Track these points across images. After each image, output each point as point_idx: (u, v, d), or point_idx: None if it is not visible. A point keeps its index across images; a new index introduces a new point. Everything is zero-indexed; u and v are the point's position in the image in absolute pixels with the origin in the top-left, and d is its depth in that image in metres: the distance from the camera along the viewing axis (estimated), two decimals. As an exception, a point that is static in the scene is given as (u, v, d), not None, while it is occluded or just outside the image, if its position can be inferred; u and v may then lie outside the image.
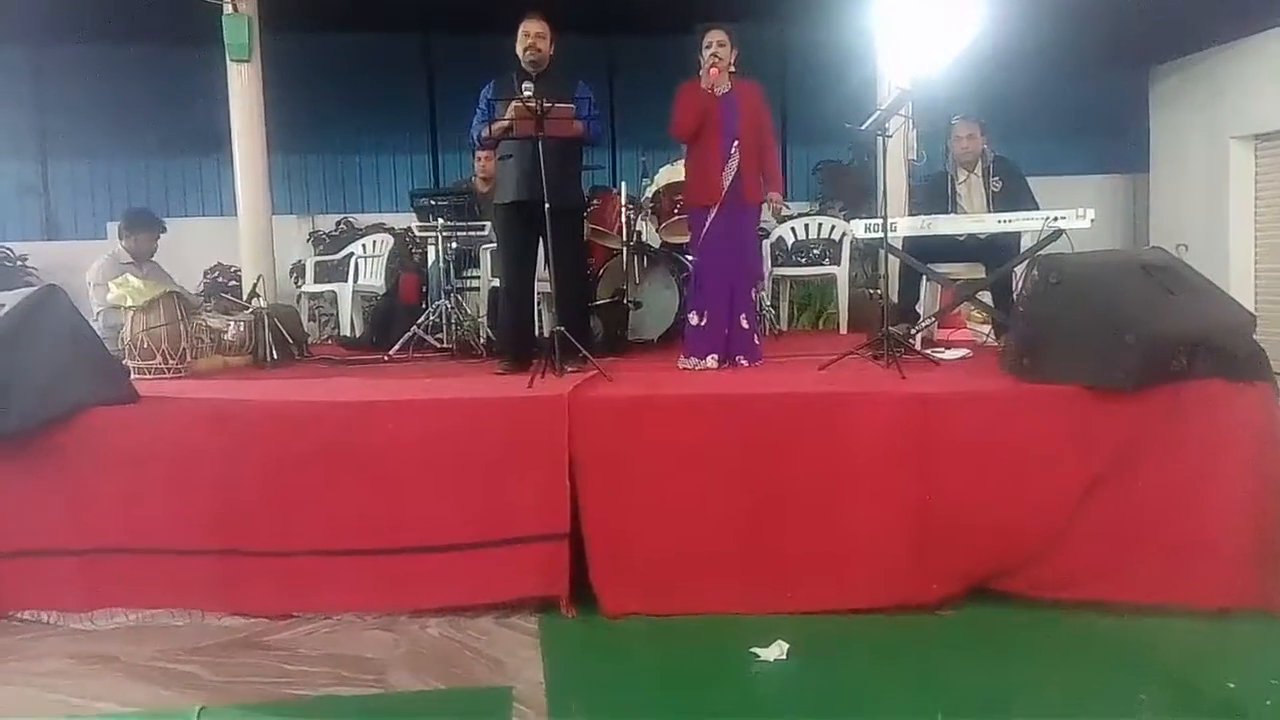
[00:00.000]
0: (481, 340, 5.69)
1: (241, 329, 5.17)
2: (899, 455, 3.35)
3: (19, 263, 8.23)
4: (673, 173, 6.00)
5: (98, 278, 5.45)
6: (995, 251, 5.06)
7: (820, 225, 7.39)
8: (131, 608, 3.37)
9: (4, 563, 3.37)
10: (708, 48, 4.40)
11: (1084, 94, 9.05)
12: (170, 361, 4.60)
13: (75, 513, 3.38)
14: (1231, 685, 2.71)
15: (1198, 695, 2.69)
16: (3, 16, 7.07)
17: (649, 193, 6.10)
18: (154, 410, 3.61)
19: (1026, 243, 4.78)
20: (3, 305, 3.44)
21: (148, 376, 4.46)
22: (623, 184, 6.03)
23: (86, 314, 4.15)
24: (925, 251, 5.12)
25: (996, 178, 5.32)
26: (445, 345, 5.77)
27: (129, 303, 4.57)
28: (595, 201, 5.79)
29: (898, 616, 3.19)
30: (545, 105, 4.22)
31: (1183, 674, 2.81)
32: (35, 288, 3.66)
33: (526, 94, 4.30)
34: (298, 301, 7.35)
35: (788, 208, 5.55)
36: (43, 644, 3.21)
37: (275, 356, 5.24)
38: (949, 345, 5.19)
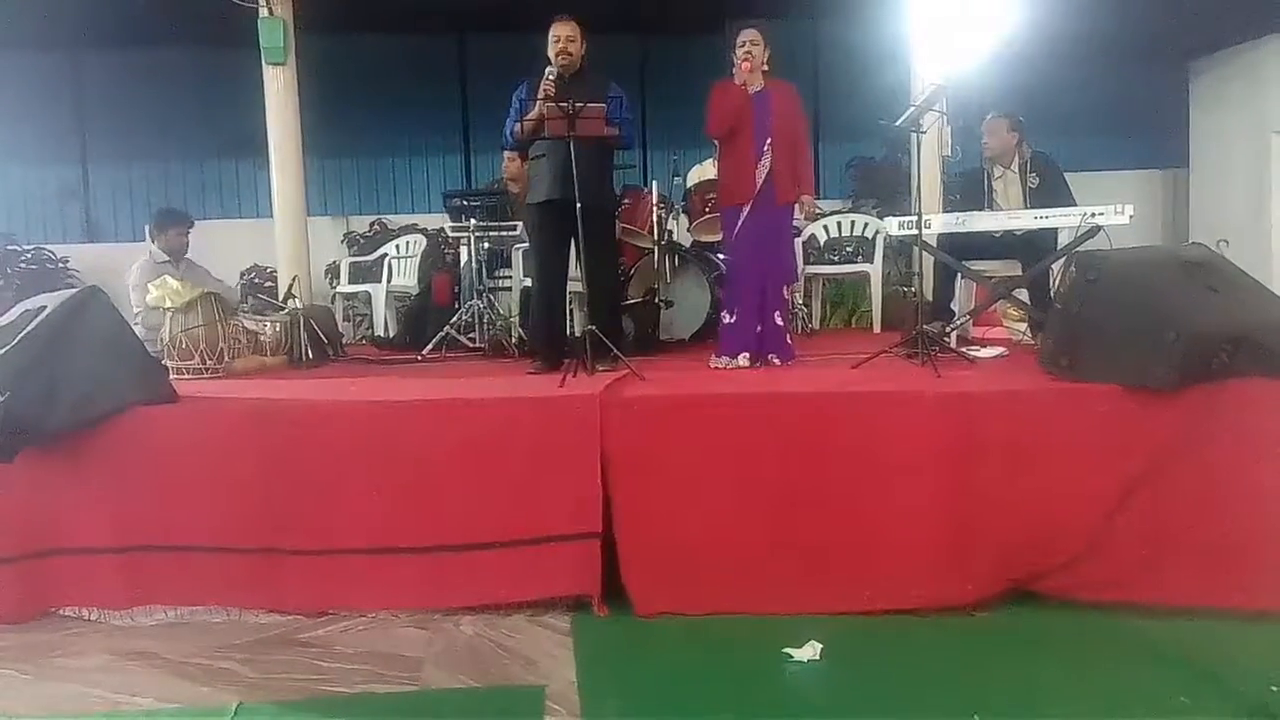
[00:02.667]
0: (513, 340, 5.71)
1: (278, 329, 5.22)
2: (934, 455, 3.32)
3: (60, 265, 8.38)
4: (703, 172, 5.99)
5: (137, 279, 5.53)
6: (1032, 248, 5.00)
7: (853, 223, 7.33)
8: (170, 605, 3.41)
9: (47, 560, 3.43)
10: (740, 45, 4.40)
11: (1123, 89, 8.93)
12: (208, 362, 4.66)
13: (116, 511, 3.43)
14: (1275, 689, 2.66)
15: (1238, 698, 2.63)
16: (44, 22, 7.20)
17: (690, 183, 6.09)
18: (193, 410, 3.66)
19: (1064, 239, 4.72)
20: (45, 307, 3.50)
21: (186, 376, 4.52)
22: (654, 183, 6.03)
23: (126, 315, 4.21)
24: (960, 248, 5.07)
25: (1033, 173, 5.26)
26: (478, 345, 5.80)
27: (168, 304, 4.64)
28: (626, 201, 5.79)
29: (933, 617, 3.16)
30: (576, 105, 4.23)
31: (1223, 677, 2.75)
32: (77, 289, 3.72)
33: (550, 78, 4.33)
34: (332, 302, 7.43)
35: (819, 208, 5.51)
36: (84, 640, 3.26)
37: (311, 356, 5.29)
38: (984, 343, 5.13)
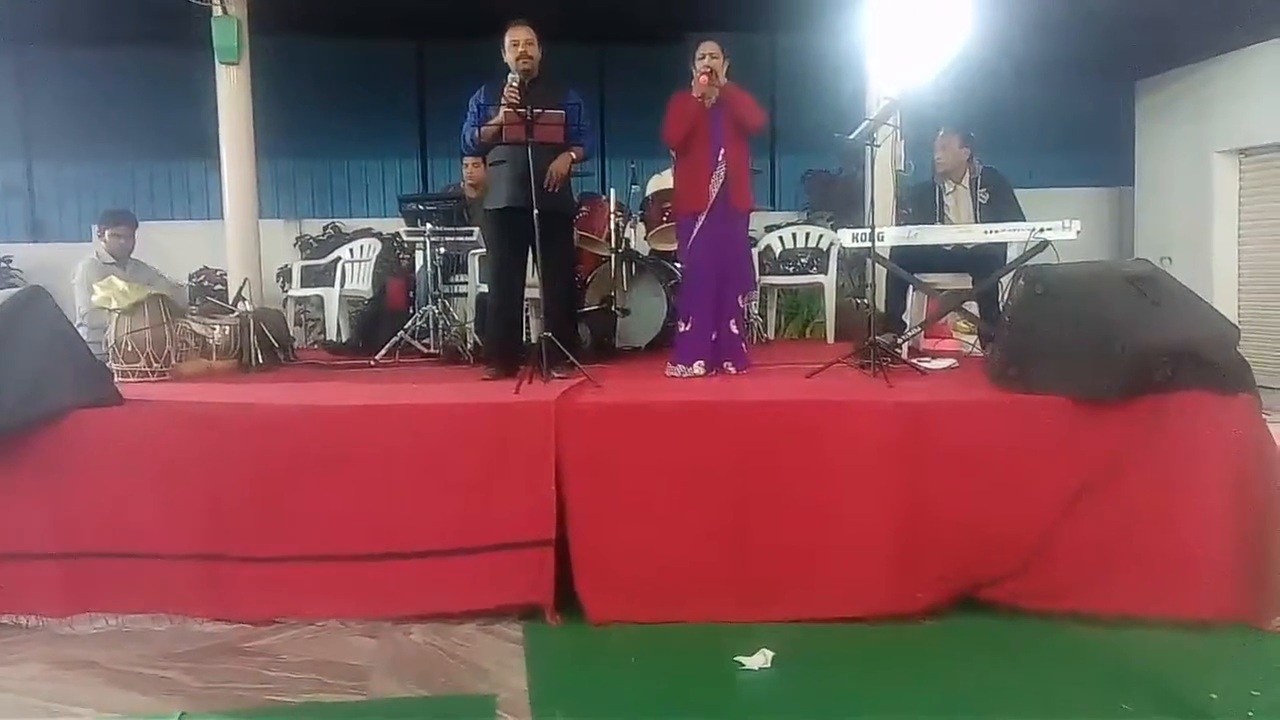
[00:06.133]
0: (469, 346, 5.68)
1: (227, 333, 5.14)
2: (885, 464, 3.35)
3: (3, 264, 8.19)
4: (662, 181, 6.01)
5: (82, 279, 5.42)
6: (982, 262, 5.08)
7: (808, 234, 7.40)
8: (112, 612, 3.34)
9: (-16, 566, 3.34)
10: (700, 58, 4.43)
11: (1071, 107, 9.11)
12: (155, 364, 4.57)
13: (57, 516, 3.36)
14: (1214, 696, 2.72)
15: (1181, 705, 2.70)
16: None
17: (649, 191, 6.10)
18: (138, 413, 3.58)
19: (1013, 253, 4.80)
20: (-14, 306, 3.42)
21: (132, 379, 4.43)
22: (611, 191, 6.04)
23: (71, 316, 4.12)
24: (912, 261, 5.14)
25: (984, 189, 5.35)
26: (432, 351, 5.76)
27: (114, 305, 4.54)
28: (584, 208, 5.79)
29: (883, 625, 3.19)
30: (535, 111, 4.22)
31: (1166, 684, 2.81)
32: (19, 289, 3.64)
33: (513, 84, 4.33)
34: (284, 306, 7.33)
35: (767, 207, 5.46)
36: (21, 648, 3.18)
37: (260, 360, 5.21)
38: (935, 355, 5.21)
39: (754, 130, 4.54)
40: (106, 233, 5.70)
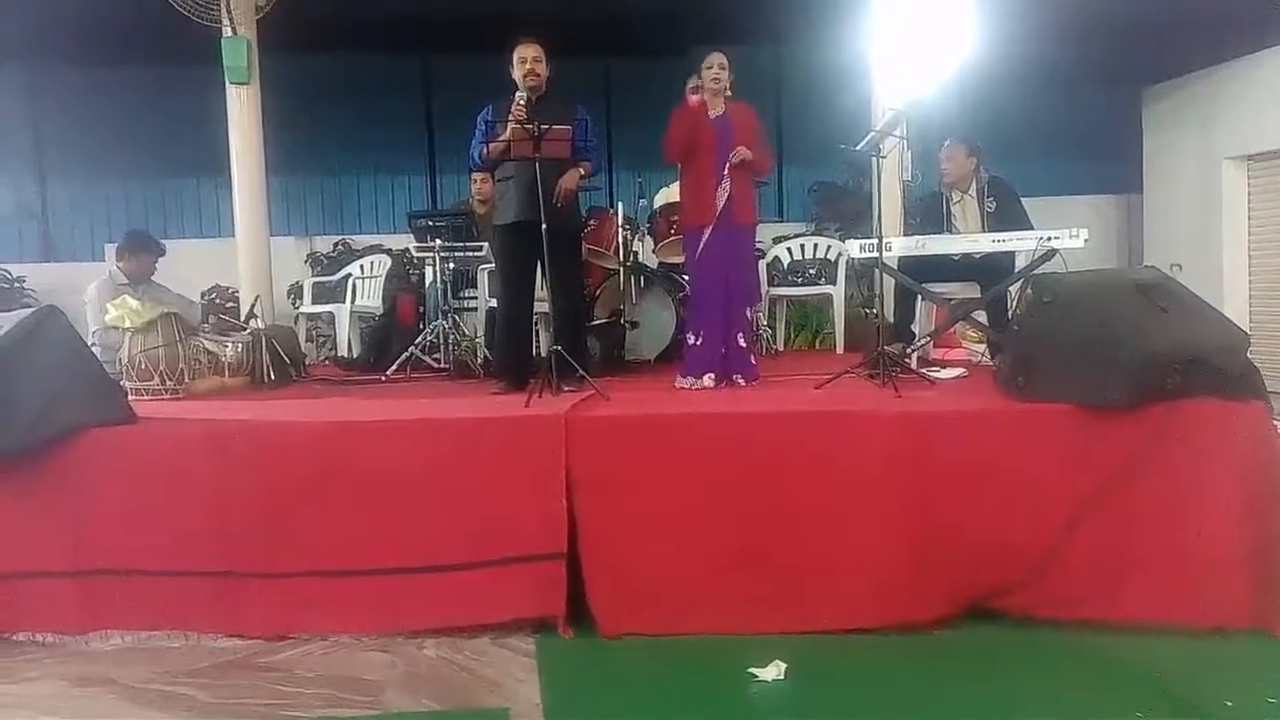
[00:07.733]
0: (479, 360, 5.70)
1: (239, 350, 5.17)
2: (895, 474, 3.35)
3: (17, 284, 8.25)
4: (670, 194, 6.04)
5: (95, 299, 5.45)
6: (990, 271, 5.08)
7: (816, 245, 7.42)
8: (127, 629, 3.37)
9: (1, 584, 3.36)
10: (708, 68, 4.45)
11: (1078, 115, 9.11)
12: (168, 382, 4.60)
13: (72, 534, 3.38)
14: (1229, 703, 2.71)
15: (1195, 713, 2.69)
16: (1, 38, 7.11)
17: (657, 204, 6.13)
18: (151, 431, 3.61)
19: (1021, 262, 4.80)
20: (1, 326, 3.45)
21: (145, 397, 4.46)
22: (619, 204, 6.06)
23: (84, 335, 4.15)
24: (920, 271, 5.14)
25: (991, 198, 5.35)
26: (442, 366, 5.78)
27: (127, 324, 4.57)
28: (592, 222, 5.82)
29: (895, 636, 3.19)
30: (541, 126, 4.25)
31: (1180, 692, 2.80)
32: (34, 309, 3.68)
33: (520, 102, 4.36)
34: (295, 322, 7.36)
35: (775, 219, 5.48)
36: (38, 666, 3.20)
37: (273, 377, 5.24)
38: (944, 364, 5.20)
39: (761, 177, 4.57)
40: (142, 256, 5.69)
